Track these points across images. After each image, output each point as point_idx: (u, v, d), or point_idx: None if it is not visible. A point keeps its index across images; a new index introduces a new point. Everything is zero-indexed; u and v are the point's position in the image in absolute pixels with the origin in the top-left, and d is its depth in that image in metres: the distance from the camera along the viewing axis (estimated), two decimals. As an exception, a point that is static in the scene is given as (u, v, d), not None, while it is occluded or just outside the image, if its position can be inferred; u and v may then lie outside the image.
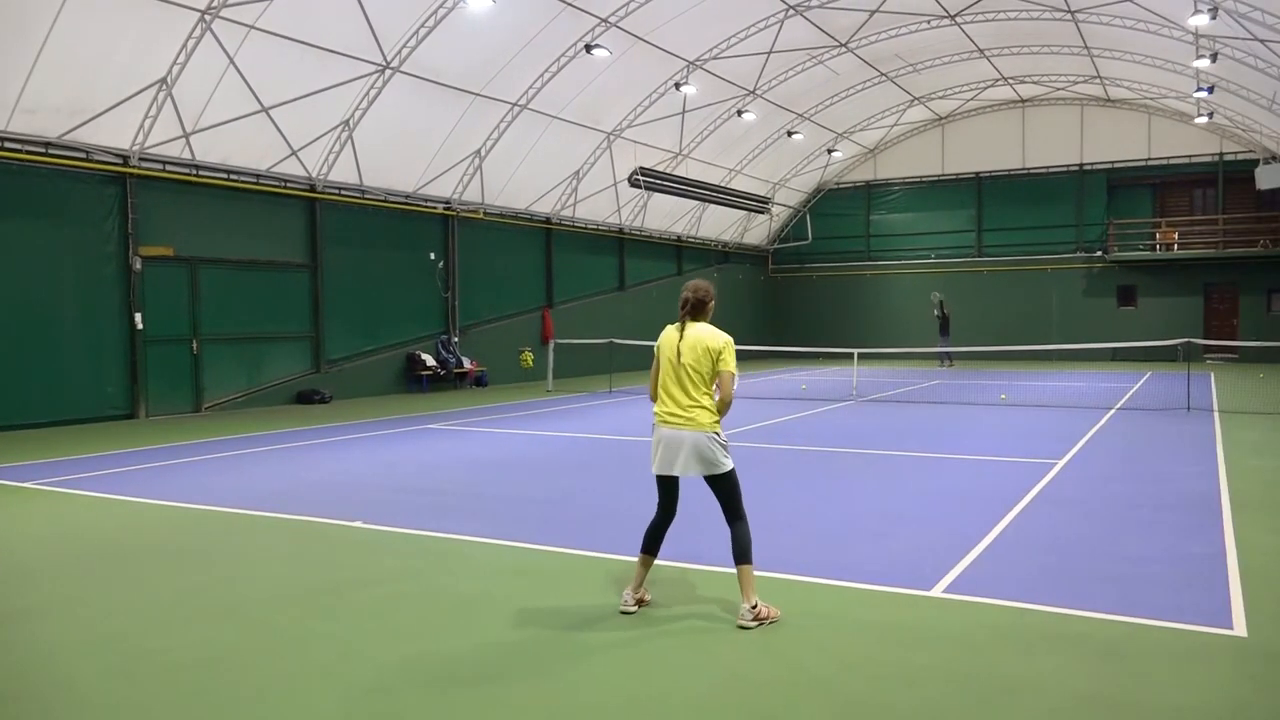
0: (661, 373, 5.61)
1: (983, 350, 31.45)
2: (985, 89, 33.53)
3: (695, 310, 5.62)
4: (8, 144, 15.00)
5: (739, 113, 28.42)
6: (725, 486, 5.52)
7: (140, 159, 16.78)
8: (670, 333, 5.64)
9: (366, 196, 21.38)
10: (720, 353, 5.49)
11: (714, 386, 5.57)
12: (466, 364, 23.62)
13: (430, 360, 22.75)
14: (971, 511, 8.18)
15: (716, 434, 5.51)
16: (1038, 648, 4.90)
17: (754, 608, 5.31)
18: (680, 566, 6.50)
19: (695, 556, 6.71)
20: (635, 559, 5.79)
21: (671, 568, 6.44)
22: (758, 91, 28.29)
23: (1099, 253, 34.40)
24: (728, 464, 5.52)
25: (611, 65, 23.03)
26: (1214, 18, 19.80)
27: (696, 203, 32.04)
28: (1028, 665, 4.67)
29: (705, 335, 5.54)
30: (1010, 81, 32.76)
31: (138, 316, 16.76)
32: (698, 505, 6.67)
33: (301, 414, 17.56)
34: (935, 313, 32.06)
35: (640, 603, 5.65)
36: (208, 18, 15.89)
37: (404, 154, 21.56)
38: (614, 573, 6.43)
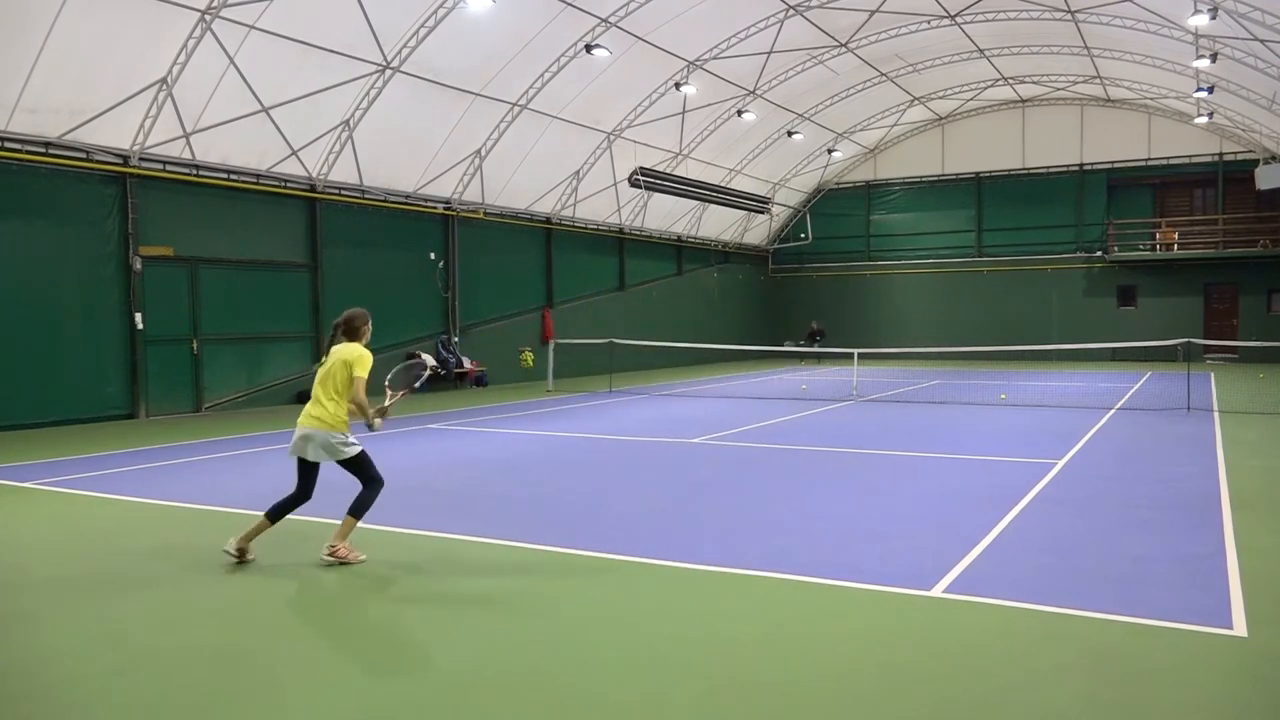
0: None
1: (983, 350, 31.51)
2: (985, 89, 33.53)
3: (348, 333, 6.80)
4: (8, 144, 15.01)
5: (739, 113, 28.43)
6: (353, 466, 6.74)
7: (140, 159, 16.78)
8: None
9: (366, 196, 21.38)
10: (352, 365, 6.63)
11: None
12: (467, 364, 23.62)
13: (430, 360, 22.73)
14: (971, 511, 8.18)
15: (341, 433, 6.69)
16: (1038, 648, 4.90)
17: (333, 549, 6.56)
18: (671, 566, 6.49)
19: (685, 555, 6.70)
20: (637, 558, 5.86)
21: (663, 566, 6.44)
22: (758, 91, 28.30)
23: (1099, 253, 34.41)
24: (351, 451, 6.69)
25: (611, 65, 23.03)
26: (1214, 18, 19.80)
27: (696, 203, 32.05)
28: (1028, 665, 4.67)
29: (344, 351, 6.68)
30: (1010, 81, 32.77)
31: (138, 316, 16.76)
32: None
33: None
34: (812, 337, 35.13)
35: (242, 553, 6.67)
36: (208, 18, 15.89)
37: (404, 154, 21.57)
38: (616, 572, 6.43)
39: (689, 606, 5.68)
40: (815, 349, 32.95)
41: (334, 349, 6.76)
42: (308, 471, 6.77)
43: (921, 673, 4.58)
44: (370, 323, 6.92)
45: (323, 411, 6.66)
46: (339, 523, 6.77)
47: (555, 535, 7.46)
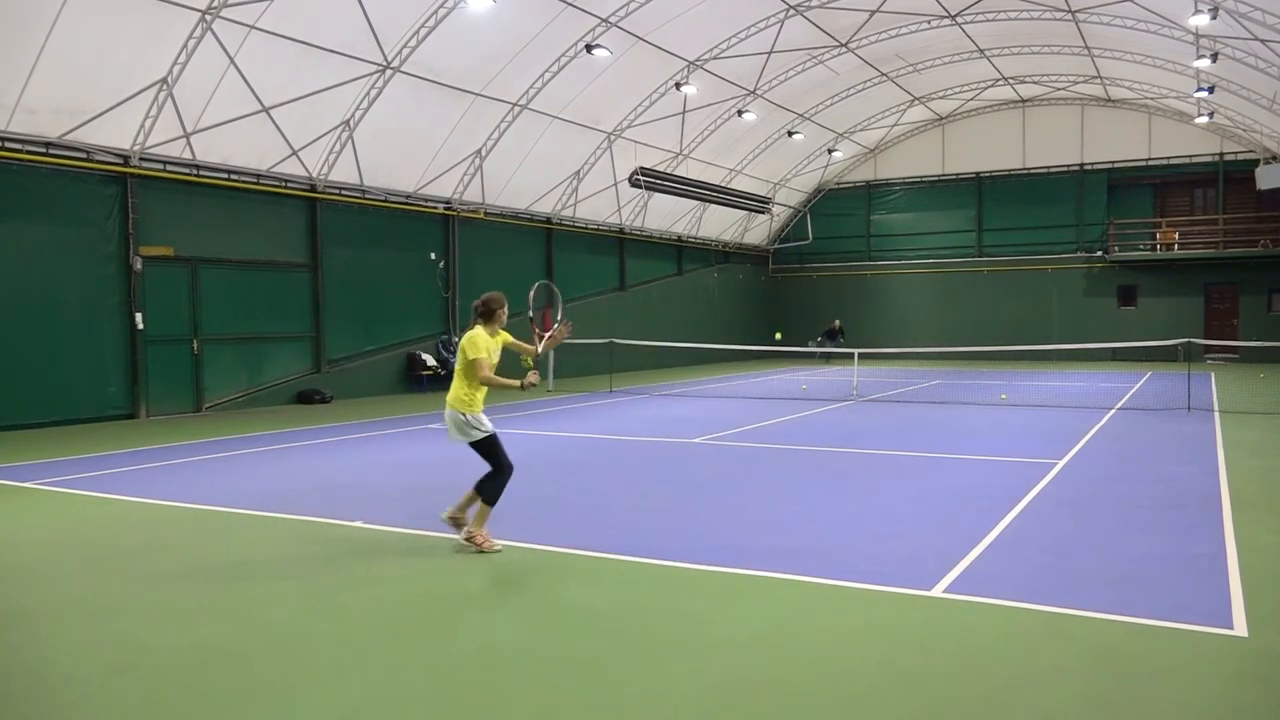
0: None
1: (983, 350, 31.52)
2: (985, 89, 33.52)
3: (484, 317, 7.08)
4: (8, 144, 15.01)
5: (739, 113, 28.42)
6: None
7: (141, 159, 16.78)
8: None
9: (367, 196, 21.38)
10: (465, 349, 6.89)
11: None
12: (467, 364, 23.58)
13: (431, 360, 22.76)
14: (971, 511, 8.18)
15: (464, 413, 6.83)
16: (1038, 648, 4.90)
17: (470, 535, 6.82)
18: (675, 565, 6.49)
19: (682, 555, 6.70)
20: (637, 558, 5.87)
21: (672, 568, 6.44)
22: (758, 91, 28.29)
23: (1099, 253, 34.40)
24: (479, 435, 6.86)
25: (611, 65, 23.03)
26: (1214, 18, 19.80)
27: (697, 203, 32.05)
28: (1028, 665, 4.67)
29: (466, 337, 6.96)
30: (1010, 81, 32.76)
31: (138, 316, 16.76)
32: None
33: (302, 414, 17.56)
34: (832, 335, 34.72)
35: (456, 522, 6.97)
36: (208, 18, 15.89)
37: (404, 154, 21.57)
38: (614, 572, 6.43)
39: (689, 606, 5.68)
40: (831, 348, 32.53)
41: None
42: (479, 450, 6.95)
43: (921, 672, 4.58)
44: (506, 306, 7.17)
45: (451, 394, 6.95)
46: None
47: (555, 535, 7.46)
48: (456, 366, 6.95)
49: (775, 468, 10.89)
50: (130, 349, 16.74)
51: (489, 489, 6.87)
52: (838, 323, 35.73)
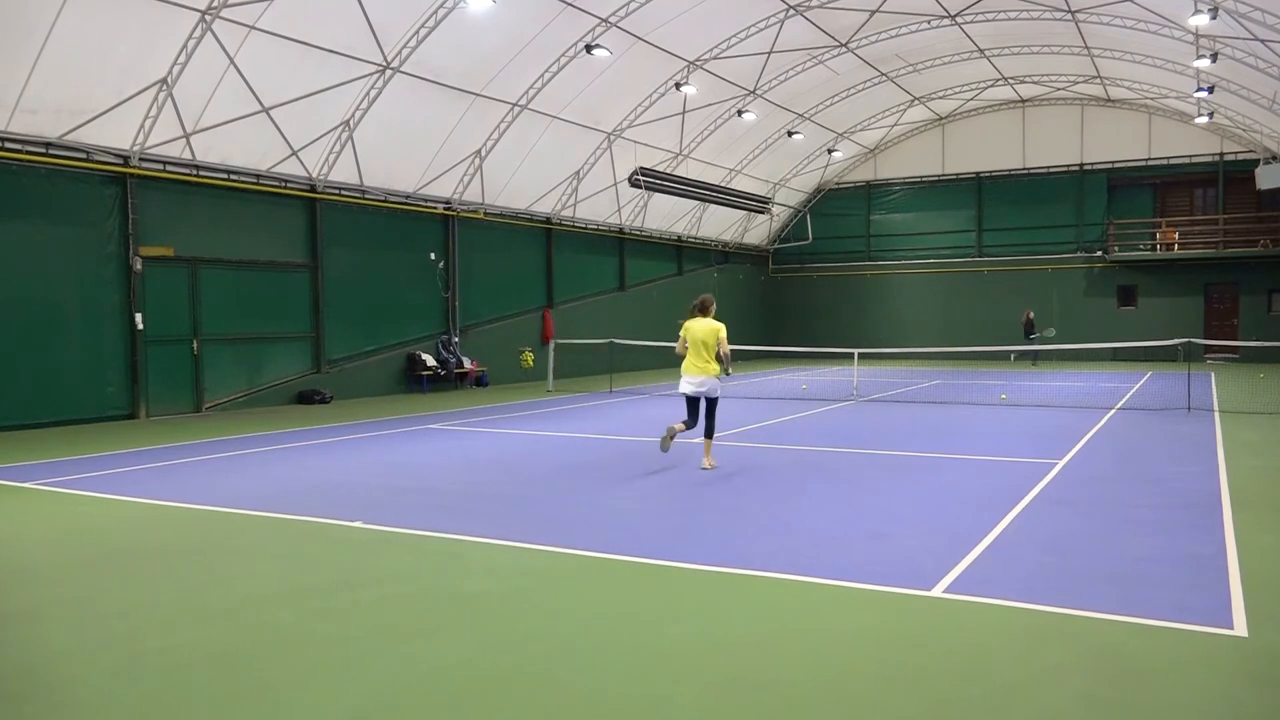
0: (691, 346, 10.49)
1: (983, 350, 31.50)
2: (985, 89, 33.53)
3: (703, 310, 10.65)
4: (8, 144, 15.00)
5: (739, 113, 28.43)
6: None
7: (140, 159, 16.78)
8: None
9: (366, 196, 21.38)
10: (719, 333, 10.51)
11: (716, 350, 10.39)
12: (467, 364, 23.62)
13: (430, 360, 22.76)
14: (972, 511, 8.18)
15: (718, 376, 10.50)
16: (1038, 648, 4.89)
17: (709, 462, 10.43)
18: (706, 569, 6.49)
19: (681, 555, 6.70)
20: (637, 558, 5.88)
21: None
22: (758, 91, 28.30)
23: (1099, 253, 34.40)
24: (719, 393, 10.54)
25: (611, 65, 23.03)
26: (1214, 18, 19.79)
27: (697, 203, 32.05)
28: (1028, 665, 4.67)
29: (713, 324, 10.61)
30: (1010, 81, 32.77)
31: (138, 316, 16.76)
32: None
33: (302, 414, 17.56)
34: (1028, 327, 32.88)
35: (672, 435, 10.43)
36: (208, 18, 15.89)
37: (404, 154, 21.57)
38: (614, 572, 6.43)
39: (689, 606, 5.68)
40: (1031, 346, 30.52)
41: (695, 322, 10.42)
42: (695, 405, 10.47)
43: (921, 673, 4.58)
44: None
45: (706, 366, 10.30)
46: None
47: (555, 535, 7.46)
48: (705, 342, 10.26)
49: (775, 467, 10.89)
50: (130, 349, 16.74)
51: (713, 429, 10.46)
52: (1031, 313, 33.24)
